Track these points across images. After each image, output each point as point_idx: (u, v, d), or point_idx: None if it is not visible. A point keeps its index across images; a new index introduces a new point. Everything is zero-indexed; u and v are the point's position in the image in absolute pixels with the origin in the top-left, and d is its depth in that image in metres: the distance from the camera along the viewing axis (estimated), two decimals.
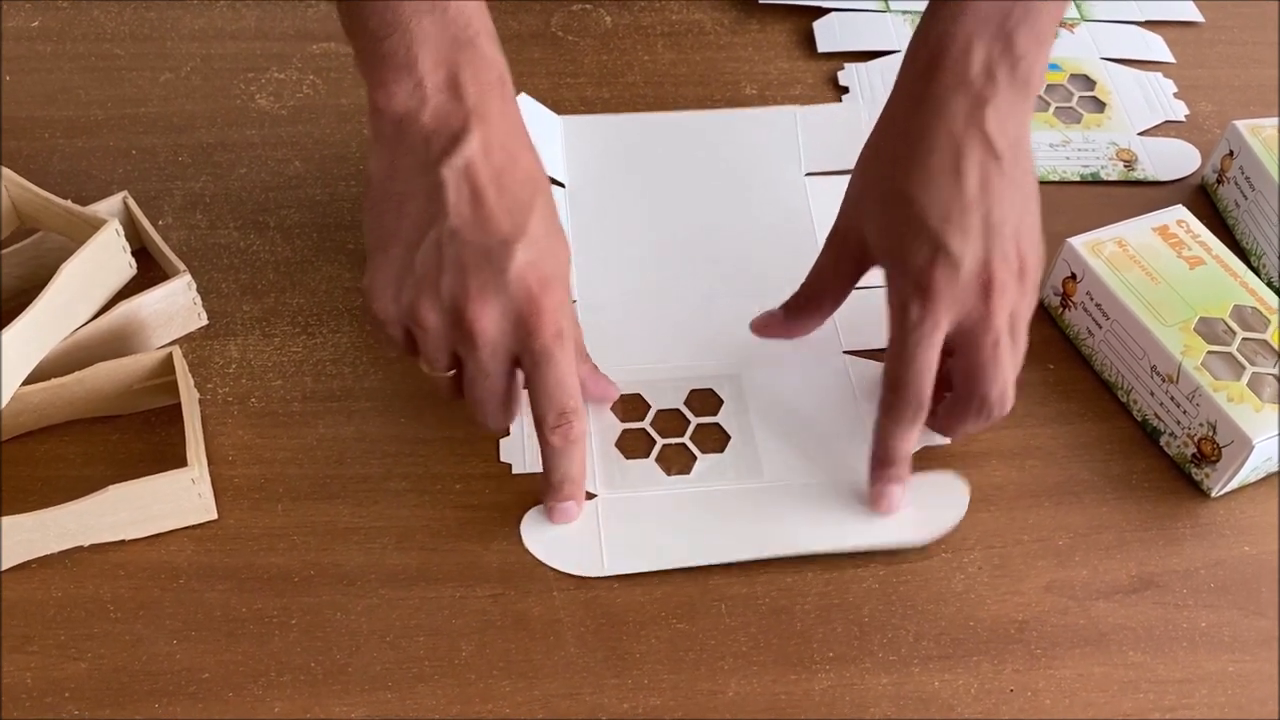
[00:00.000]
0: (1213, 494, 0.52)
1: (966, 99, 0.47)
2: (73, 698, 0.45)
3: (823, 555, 0.50)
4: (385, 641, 0.47)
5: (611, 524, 0.50)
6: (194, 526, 0.50)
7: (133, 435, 0.53)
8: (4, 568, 0.48)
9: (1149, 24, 0.79)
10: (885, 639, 0.47)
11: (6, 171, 0.54)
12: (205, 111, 0.68)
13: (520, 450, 0.52)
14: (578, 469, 0.50)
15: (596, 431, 0.54)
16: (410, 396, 0.55)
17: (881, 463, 0.50)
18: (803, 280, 0.55)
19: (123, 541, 0.49)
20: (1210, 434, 0.51)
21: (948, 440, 0.54)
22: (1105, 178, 0.67)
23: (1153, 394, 0.54)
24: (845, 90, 0.73)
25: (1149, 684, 0.47)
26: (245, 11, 0.75)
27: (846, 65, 0.74)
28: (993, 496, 0.52)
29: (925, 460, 0.53)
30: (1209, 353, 0.52)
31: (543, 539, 0.50)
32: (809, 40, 0.76)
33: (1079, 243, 0.57)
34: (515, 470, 0.52)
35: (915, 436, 0.50)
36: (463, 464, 0.52)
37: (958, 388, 0.50)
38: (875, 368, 0.56)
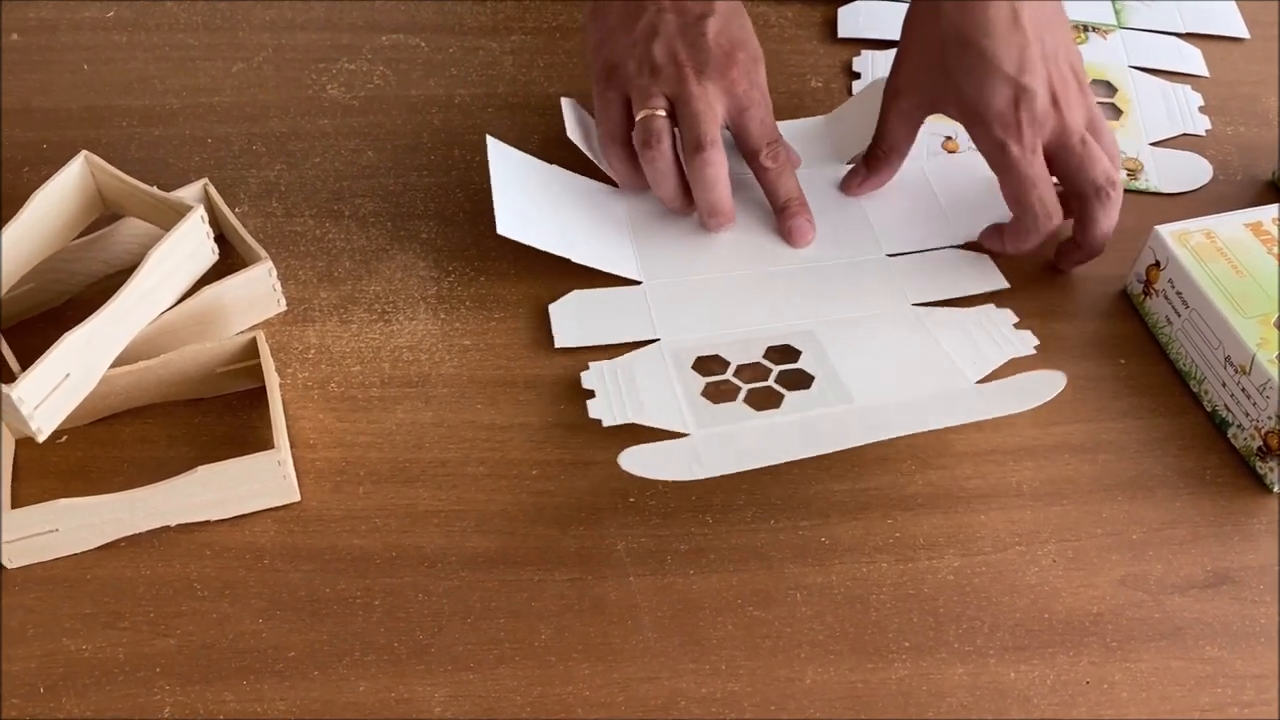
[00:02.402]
0: (1275, 489, 0.52)
1: None
2: (163, 673, 0.46)
3: (896, 539, 0.50)
4: (466, 623, 0.47)
5: (704, 445, 0.51)
6: (276, 508, 0.51)
7: (214, 418, 0.54)
8: (96, 545, 0.49)
9: (1189, 36, 0.77)
10: (960, 630, 0.48)
11: (93, 158, 0.55)
12: (278, 101, 0.69)
13: (608, 407, 0.53)
14: (797, 188, 0.61)
15: (679, 382, 0.54)
16: (485, 384, 0.55)
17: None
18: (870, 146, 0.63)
19: (207, 522, 0.50)
20: (1278, 427, 0.51)
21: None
22: None
23: (1224, 384, 0.54)
24: (857, 76, 0.73)
25: (1227, 679, 0.47)
26: (314, 3, 0.76)
27: (863, 51, 0.74)
28: (1065, 490, 0.52)
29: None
30: None
31: (639, 461, 0.49)
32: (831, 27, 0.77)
33: (1166, 231, 0.57)
34: (605, 424, 0.52)
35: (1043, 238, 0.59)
36: (538, 450, 0.53)
37: (1070, 189, 0.58)
38: (948, 313, 0.58)
